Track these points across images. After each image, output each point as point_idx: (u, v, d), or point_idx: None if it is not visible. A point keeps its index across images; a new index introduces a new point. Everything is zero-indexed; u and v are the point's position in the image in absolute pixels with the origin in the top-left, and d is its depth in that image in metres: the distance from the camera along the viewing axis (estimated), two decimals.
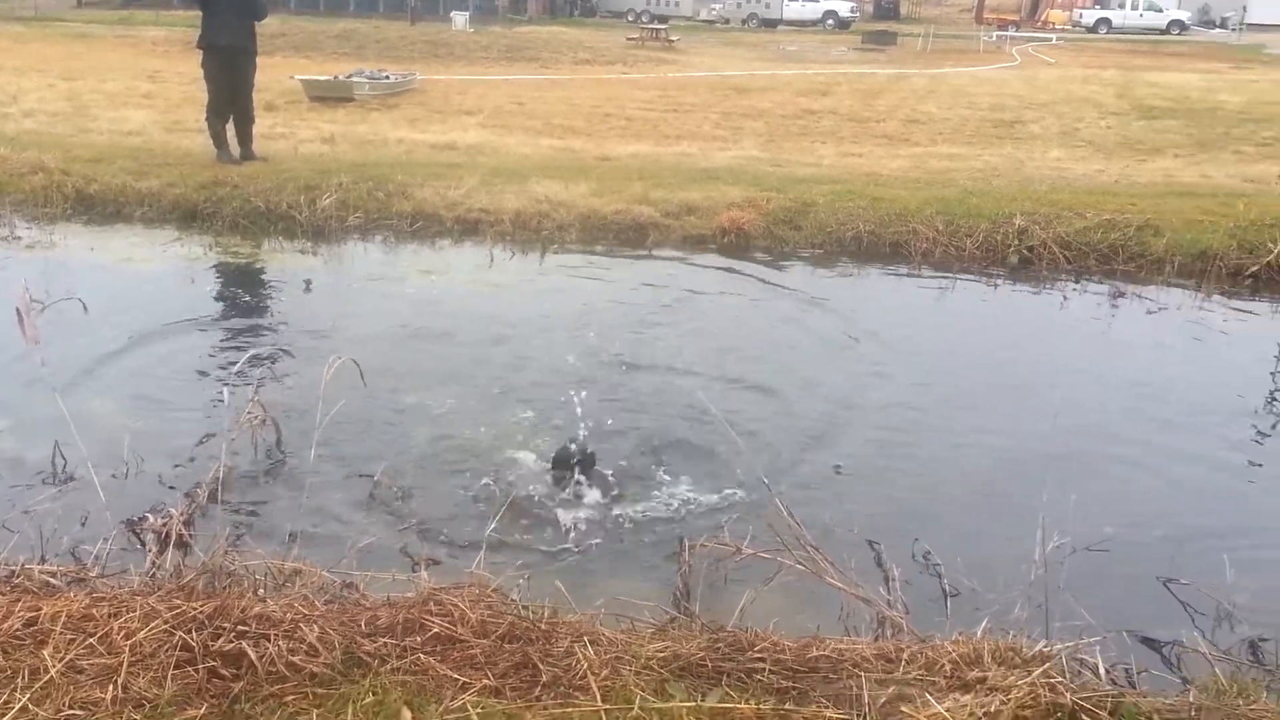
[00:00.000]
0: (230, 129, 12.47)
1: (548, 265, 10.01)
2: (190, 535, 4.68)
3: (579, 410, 5.61)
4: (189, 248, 10.18)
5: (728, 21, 61.18)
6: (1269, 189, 12.41)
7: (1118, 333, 8.57)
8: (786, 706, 3.14)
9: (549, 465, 5.52)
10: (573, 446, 5.46)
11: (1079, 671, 3.52)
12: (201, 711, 2.99)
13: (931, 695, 3.15)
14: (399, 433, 6.05)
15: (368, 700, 3.03)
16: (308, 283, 9.17)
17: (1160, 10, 59.74)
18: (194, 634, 3.24)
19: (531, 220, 10.83)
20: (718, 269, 9.92)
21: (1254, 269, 9.57)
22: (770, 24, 59.95)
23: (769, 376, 7.10)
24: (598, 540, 4.99)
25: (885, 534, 5.10)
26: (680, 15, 60.72)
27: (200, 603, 3.41)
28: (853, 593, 4.29)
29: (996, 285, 9.67)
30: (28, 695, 3.00)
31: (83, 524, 4.83)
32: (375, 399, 6.16)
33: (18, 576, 3.82)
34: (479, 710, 2.99)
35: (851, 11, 61.70)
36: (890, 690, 3.21)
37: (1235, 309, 9.07)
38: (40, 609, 3.38)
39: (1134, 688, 3.68)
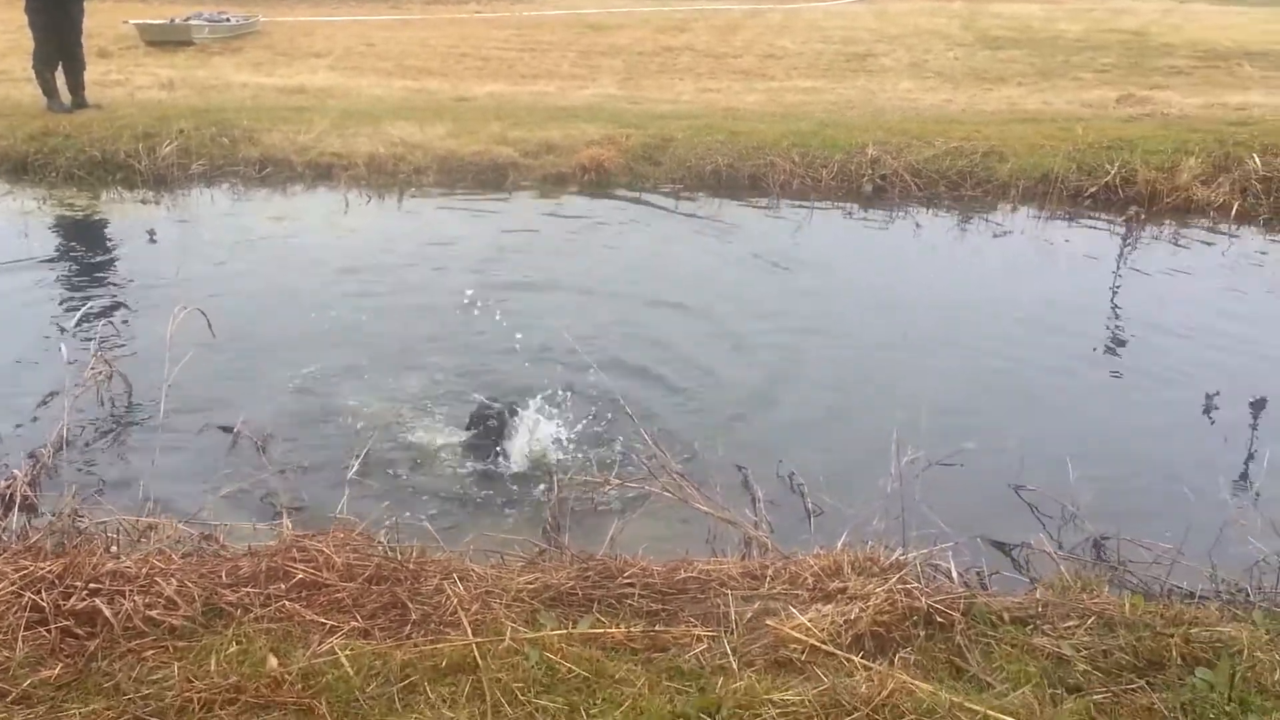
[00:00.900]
0: (61, 77, 11.83)
1: (405, 208, 9.81)
2: (37, 496, 4.49)
3: (439, 360, 5.55)
4: (21, 201, 9.66)
5: None
6: (1106, 113, 12.94)
7: (966, 255, 8.86)
8: (657, 628, 3.20)
9: (453, 425, 5.38)
10: (492, 408, 5.26)
11: (933, 577, 3.67)
12: (56, 671, 2.89)
13: (795, 607, 3.24)
14: (255, 383, 5.89)
15: (231, 650, 2.96)
16: (151, 233, 8.80)
17: None
18: (43, 594, 3.12)
19: (387, 163, 10.58)
20: (582, 205, 9.88)
21: (1092, 190, 9.99)
22: None
23: (634, 311, 7.13)
24: (465, 477, 4.96)
25: (752, 458, 5.20)
26: None
27: (49, 562, 3.27)
28: (719, 515, 4.37)
29: (851, 214, 9.88)
30: None
31: None
32: (227, 349, 5.97)
33: None
34: (347, 652, 2.95)
35: None
36: (756, 606, 3.30)
37: (1076, 228, 9.47)
38: None
39: (985, 589, 3.85)
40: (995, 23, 23.33)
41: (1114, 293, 7.91)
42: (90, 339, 6.04)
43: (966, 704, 2.74)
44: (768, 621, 3.17)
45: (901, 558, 3.60)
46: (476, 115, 12.26)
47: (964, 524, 4.39)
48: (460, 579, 3.39)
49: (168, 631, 3.07)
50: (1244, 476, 5.16)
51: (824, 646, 3.04)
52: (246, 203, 9.89)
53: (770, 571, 3.55)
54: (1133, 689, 2.89)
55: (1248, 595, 3.71)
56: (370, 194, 10.12)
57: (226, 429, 5.29)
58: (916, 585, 3.34)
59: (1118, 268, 8.43)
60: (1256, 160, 9.97)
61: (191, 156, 10.42)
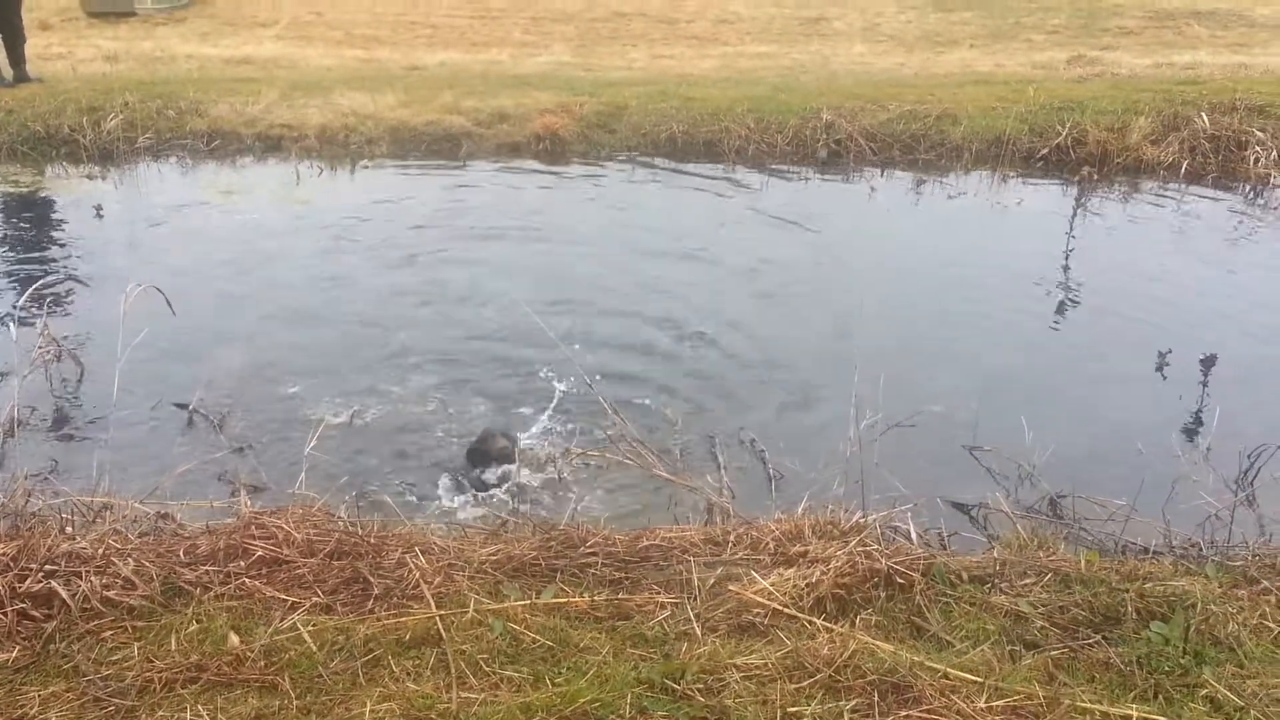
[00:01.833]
0: (0, 51, 11.52)
1: (358, 180, 9.68)
2: None
3: (402, 335, 5.51)
4: None
5: None
6: (1057, 74, 13.01)
7: (921, 219, 8.90)
8: (620, 596, 3.21)
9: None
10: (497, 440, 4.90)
11: (893, 539, 3.71)
12: (14, 654, 2.85)
13: (757, 572, 3.26)
14: (210, 361, 5.80)
15: (192, 628, 2.94)
16: (98, 209, 8.62)
17: None
18: None
19: (338, 134, 10.44)
20: (533, 173, 9.81)
21: (1044, 151, 10.06)
22: None
23: (593, 282, 7.11)
24: (427, 450, 4.94)
25: (711, 425, 5.22)
26: None
27: (2, 545, 3.22)
28: (681, 483, 4.40)
29: (807, 179, 9.88)
30: None
31: None
32: (182, 327, 5.87)
33: None
34: (310, 628, 2.94)
35: None
36: (719, 571, 3.32)
37: (1030, 189, 9.55)
38: None
39: (945, 549, 3.91)
40: None
41: (1067, 254, 7.98)
42: (38, 318, 5.92)
43: (927, 663, 2.77)
44: (730, 587, 3.19)
45: (861, 520, 3.63)
46: (428, 84, 12.10)
47: (923, 486, 4.43)
48: (422, 552, 3.38)
49: (126, 612, 3.04)
50: (1195, 433, 5.25)
51: (786, 610, 3.06)
52: (195, 176, 9.72)
53: (732, 537, 3.57)
54: (1089, 644, 2.94)
55: (1200, 550, 3.78)
56: (321, 165, 9.97)
57: (181, 406, 5.23)
58: (876, 547, 3.37)
59: (1070, 228, 8.51)
60: (1204, 119, 10.08)
61: (137, 130, 10.21)
